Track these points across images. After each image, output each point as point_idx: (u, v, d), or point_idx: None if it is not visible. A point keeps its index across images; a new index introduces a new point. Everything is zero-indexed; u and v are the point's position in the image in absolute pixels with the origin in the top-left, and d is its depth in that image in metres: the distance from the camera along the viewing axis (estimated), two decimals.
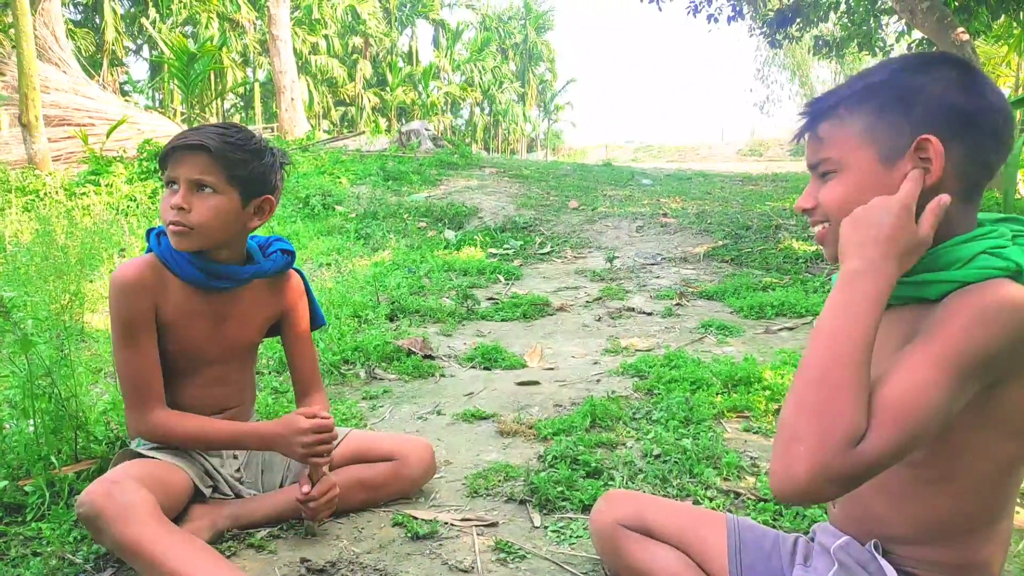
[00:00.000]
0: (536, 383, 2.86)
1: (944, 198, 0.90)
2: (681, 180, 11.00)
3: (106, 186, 7.70)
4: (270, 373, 2.91)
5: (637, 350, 3.36)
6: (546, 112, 48.34)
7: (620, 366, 3.01)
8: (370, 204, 7.88)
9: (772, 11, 10.67)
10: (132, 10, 27.94)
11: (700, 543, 1.25)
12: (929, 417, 0.81)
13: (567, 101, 52.09)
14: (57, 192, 7.49)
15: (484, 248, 6.40)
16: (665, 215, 7.37)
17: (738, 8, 10.56)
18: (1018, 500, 1.80)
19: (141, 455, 1.59)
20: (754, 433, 2.28)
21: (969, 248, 0.91)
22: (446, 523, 1.71)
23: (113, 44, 25.95)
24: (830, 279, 0.94)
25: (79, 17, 27.64)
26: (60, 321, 3.04)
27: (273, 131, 17.17)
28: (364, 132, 17.12)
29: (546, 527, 1.70)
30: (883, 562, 0.98)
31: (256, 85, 31.05)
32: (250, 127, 1.67)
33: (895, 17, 10.35)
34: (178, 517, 1.55)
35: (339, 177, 9.38)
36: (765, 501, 1.76)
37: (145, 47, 30.39)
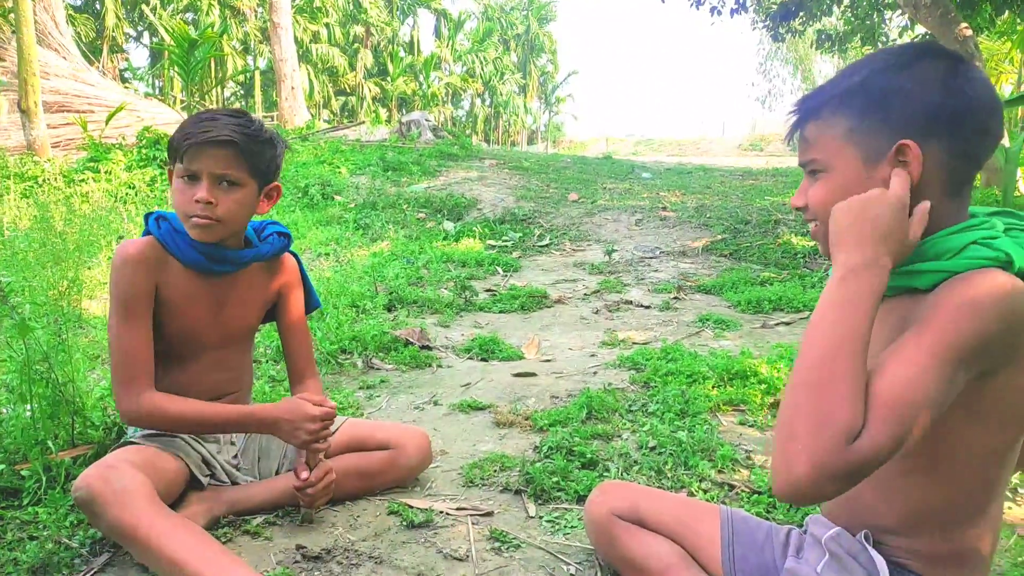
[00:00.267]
0: (533, 374, 2.86)
1: (926, 204, 0.92)
2: (681, 174, 10.99)
3: (105, 173, 7.68)
4: (267, 361, 2.92)
5: (634, 343, 3.36)
6: (547, 104, 48.23)
7: (617, 358, 3.01)
8: (369, 194, 7.87)
9: (775, 4, 10.64)
10: None
11: (694, 534, 1.26)
12: (925, 408, 0.82)
13: (568, 93, 52.14)
14: (56, 179, 7.47)
15: (483, 240, 6.39)
16: (664, 209, 7.37)
17: (741, 1, 10.53)
18: (1009, 495, 1.82)
19: (139, 445, 1.59)
20: (749, 426, 2.29)
21: (959, 239, 0.92)
22: (441, 512, 1.72)
23: (113, 30, 25.85)
24: (828, 274, 0.94)
25: (79, 3, 27.53)
26: (58, 307, 3.04)
27: (273, 119, 17.12)
28: (364, 122, 17.06)
29: (541, 517, 1.70)
30: (873, 552, 0.99)
31: (256, 73, 30.94)
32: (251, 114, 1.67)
33: (898, 12, 10.32)
34: (174, 503, 1.56)
35: (339, 167, 9.36)
36: (759, 493, 1.77)
37: (145, 34, 30.30)
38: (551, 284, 4.84)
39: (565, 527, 1.65)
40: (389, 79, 34.97)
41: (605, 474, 1.90)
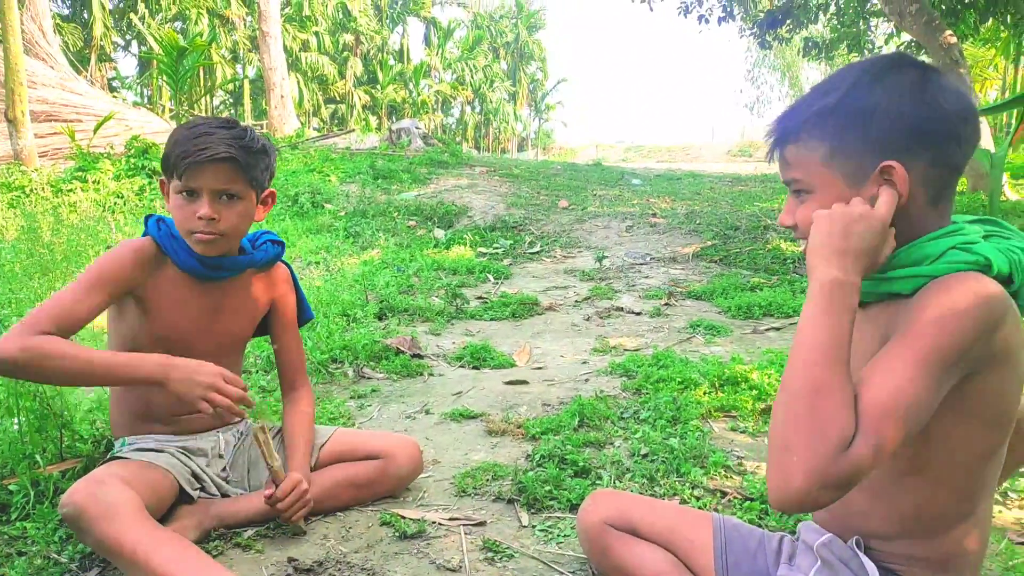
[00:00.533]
0: (524, 382, 2.86)
1: (891, 231, 0.93)
2: (671, 180, 11.03)
3: (93, 183, 7.65)
4: (257, 371, 2.90)
5: (625, 350, 3.37)
6: (537, 111, 48.34)
7: (608, 365, 3.01)
8: (359, 202, 7.86)
9: (762, 12, 10.73)
10: (121, 5, 27.69)
11: (686, 542, 1.26)
12: (914, 413, 0.83)
13: (558, 100, 52.23)
14: (43, 188, 7.43)
15: (474, 247, 6.39)
16: (654, 215, 7.40)
17: (729, 9, 10.62)
18: (999, 498, 1.83)
19: (127, 459, 1.58)
20: (741, 432, 2.29)
21: (938, 245, 0.93)
22: (434, 522, 1.71)
23: (101, 39, 25.72)
24: None
25: (67, 12, 27.39)
26: None
27: (262, 128, 17.09)
28: (354, 130, 17.07)
29: (534, 526, 1.70)
30: (864, 558, 1.00)
31: (246, 82, 30.86)
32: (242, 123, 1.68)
33: (884, 19, 10.42)
34: (164, 517, 1.54)
35: (328, 175, 9.35)
36: (751, 500, 1.77)
37: (134, 43, 30.17)
38: (542, 291, 4.84)
39: (558, 536, 1.65)
40: (379, 87, 34.98)
41: (598, 482, 1.89)
